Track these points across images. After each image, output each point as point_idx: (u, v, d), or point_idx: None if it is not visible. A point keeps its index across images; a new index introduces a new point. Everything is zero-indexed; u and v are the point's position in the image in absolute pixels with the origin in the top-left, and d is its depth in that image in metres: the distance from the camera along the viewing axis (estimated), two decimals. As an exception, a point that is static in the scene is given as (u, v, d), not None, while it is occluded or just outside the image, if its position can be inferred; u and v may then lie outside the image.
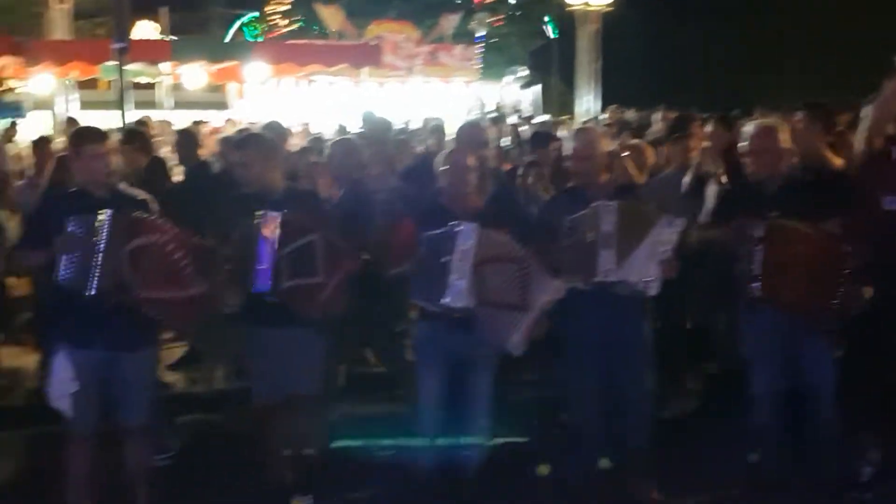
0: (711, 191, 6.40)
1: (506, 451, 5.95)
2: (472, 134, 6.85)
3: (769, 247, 5.39)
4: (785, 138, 5.77)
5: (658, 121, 13.26)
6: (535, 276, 5.32)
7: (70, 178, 6.47)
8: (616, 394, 5.83)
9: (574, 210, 5.56)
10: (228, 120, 15.83)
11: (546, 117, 20.27)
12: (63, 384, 5.24)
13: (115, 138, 7.03)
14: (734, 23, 37.76)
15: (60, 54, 15.06)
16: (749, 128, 5.97)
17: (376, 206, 6.68)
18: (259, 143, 5.88)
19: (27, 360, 8.54)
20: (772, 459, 5.86)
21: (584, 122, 16.04)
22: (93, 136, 5.49)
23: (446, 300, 5.27)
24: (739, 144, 5.91)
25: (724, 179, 6.56)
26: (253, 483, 6.00)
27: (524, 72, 28.80)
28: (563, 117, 20.14)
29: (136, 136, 8.68)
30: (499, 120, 19.80)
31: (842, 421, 5.69)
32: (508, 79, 28.68)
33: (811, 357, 5.65)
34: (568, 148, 5.94)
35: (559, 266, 5.53)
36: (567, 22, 30.95)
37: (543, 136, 8.12)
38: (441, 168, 5.79)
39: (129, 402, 5.42)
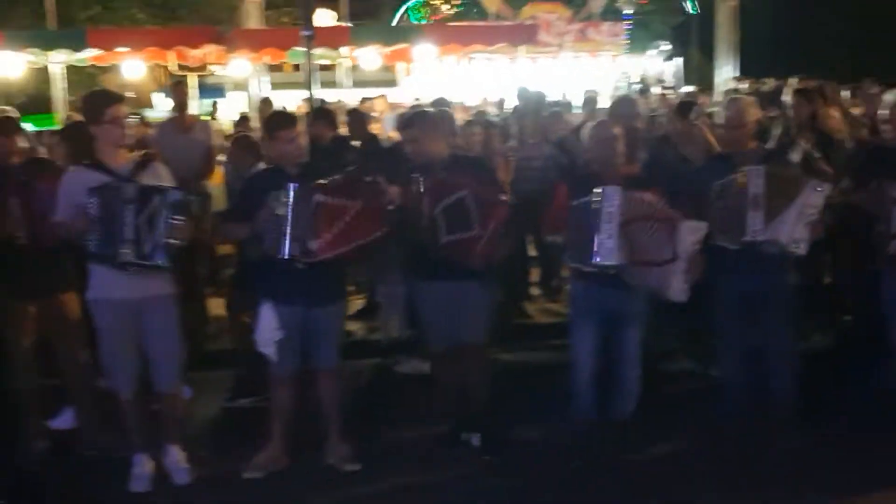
0: (795, 156, 6.19)
1: (655, 401, 5.83)
2: (623, 107, 6.70)
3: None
4: None
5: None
6: (679, 226, 5.16)
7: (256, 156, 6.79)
8: (761, 349, 5.68)
9: (724, 174, 5.43)
10: (381, 96, 15.97)
11: (690, 88, 19.84)
12: (269, 334, 5.42)
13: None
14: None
15: (255, 42, 15.37)
16: (890, 97, 5.76)
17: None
18: (424, 120, 5.89)
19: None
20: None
21: (726, 93, 15.62)
22: (286, 121, 5.60)
23: (597, 259, 5.16)
24: (879, 112, 5.70)
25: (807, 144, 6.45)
26: (426, 421, 6.14)
27: (667, 46, 28.11)
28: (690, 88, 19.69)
29: (325, 113, 8.84)
30: (644, 91, 19.50)
31: None
32: (652, 52, 28.05)
33: None
34: (719, 116, 5.81)
35: (710, 227, 5.42)
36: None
37: (687, 105, 7.98)
38: (587, 139, 5.71)
39: (323, 348, 5.56)
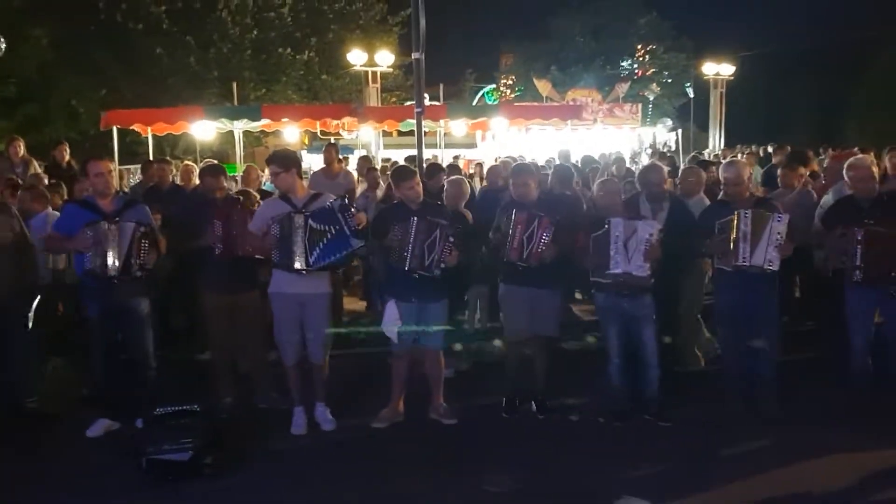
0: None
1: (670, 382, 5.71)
2: (653, 173, 6.25)
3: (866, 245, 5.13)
4: (874, 170, 5.43)
5: (773, 153, 12.54)
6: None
7: (392, 195, 6.72)
8: (750, 346, 5.52)
9: (723, 216, 5.35)
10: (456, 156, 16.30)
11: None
12: (392, 321, 5.45)
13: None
14: (823, 79, 35.91)
15: (378, 115, 15.67)
16: (852, 160, 5.61)
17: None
18: (527, 171, 5.82)
19: (359, 305, 8.95)
20: (862, 392, 5.48)
21: (725, 155, 15.33)
22: (407, 173, 5.61)
23: (611, 271, 5.21)
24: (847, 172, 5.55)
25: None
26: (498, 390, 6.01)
27: (668, 122, 27.96)
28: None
29: (435, 168, 8.91)
30: (654, 155, 19.39)
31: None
32: (661, 125, 27.92)
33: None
34: (721, 174, 5.71)
35: (713, 253, 5.34)
36: (701, 86, 30.15)
37: (705, 163, 7.88)
38: (597, 191, 5.78)
39: (430, 335, 5.53)
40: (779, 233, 5.14)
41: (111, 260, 5.16)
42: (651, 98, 31.65)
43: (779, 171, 8.03)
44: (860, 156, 5.84)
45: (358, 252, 5.41)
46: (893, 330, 5.35)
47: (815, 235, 5.66)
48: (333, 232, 5.10)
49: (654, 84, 33.37)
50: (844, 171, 5.56)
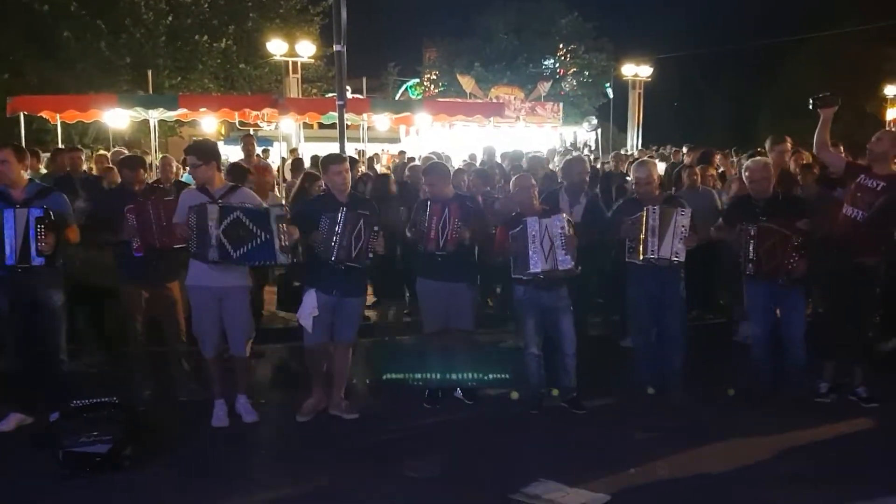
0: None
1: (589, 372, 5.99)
2: (577, 165, 6.73)
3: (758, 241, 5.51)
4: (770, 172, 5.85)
5: (685, 154, 13.11)
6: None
7: (312, 187, 6.80)
8: (661, 333, 5.89)
9: (634, 212, 5.69)
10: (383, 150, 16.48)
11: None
12: (308, 311, 5.49)
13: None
14: (738, 82, 37.39)
15: (300, 107, 15.58)
16: (748, 162, 6.03)
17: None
18: (439, 171, 6.00)
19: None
20: (761, 382, 5.88)
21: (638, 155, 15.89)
22: (336, 159, 5.69)
23: (531, 269, 5.43)
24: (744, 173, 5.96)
25: None
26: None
27: (594, 120, 28.67)
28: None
29: (352, 161, 8.99)
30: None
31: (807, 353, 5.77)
32: (586, 123, 28.61)
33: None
34: (633, 173, 6.06)
35: (625, 237, 5.68)
36: (621, 87, 30.99)
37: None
38: (512, 186, 5.96)
39: (344, 328, 5.62)
40: (683, 225, 5.52)
41: (8, 249, 5.08)
42: (569, 96, 32.39)
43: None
44: (756, 158, 6.27)
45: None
46: (788, 323, 5.76)
47: (717, 231, 6.05)
48: (263, 239, 5.09)
49: (574, 82, 34.19)
50: (742, 172, 5.97)
